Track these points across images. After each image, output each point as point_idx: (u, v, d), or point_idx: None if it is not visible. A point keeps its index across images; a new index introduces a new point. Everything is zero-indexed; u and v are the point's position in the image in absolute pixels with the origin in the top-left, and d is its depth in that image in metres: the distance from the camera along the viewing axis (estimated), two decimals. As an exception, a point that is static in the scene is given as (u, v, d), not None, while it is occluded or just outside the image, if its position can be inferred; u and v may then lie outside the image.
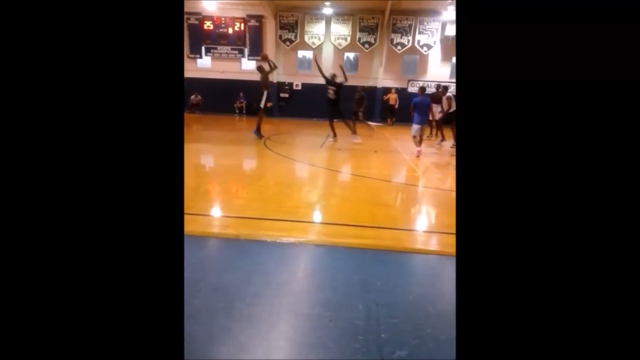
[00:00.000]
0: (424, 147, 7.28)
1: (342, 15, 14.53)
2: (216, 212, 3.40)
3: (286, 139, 8.40)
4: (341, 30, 14.77)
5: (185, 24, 15.05)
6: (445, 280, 2.35)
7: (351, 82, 14.63)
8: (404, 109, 11.14)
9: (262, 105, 8.27)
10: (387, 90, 14.32)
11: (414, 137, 7.17)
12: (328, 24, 14.75)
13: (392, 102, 13.71)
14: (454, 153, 7.15)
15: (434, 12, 13.68)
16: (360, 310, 1.82)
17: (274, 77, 13.62)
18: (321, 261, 2.44)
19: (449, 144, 8.52)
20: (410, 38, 14.45)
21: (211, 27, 15.28)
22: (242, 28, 14.91)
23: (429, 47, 14.54)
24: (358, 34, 14.63)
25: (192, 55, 15.86)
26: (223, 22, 15.19)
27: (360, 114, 9.99)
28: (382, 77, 15.06)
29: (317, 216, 3.46)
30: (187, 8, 14.26)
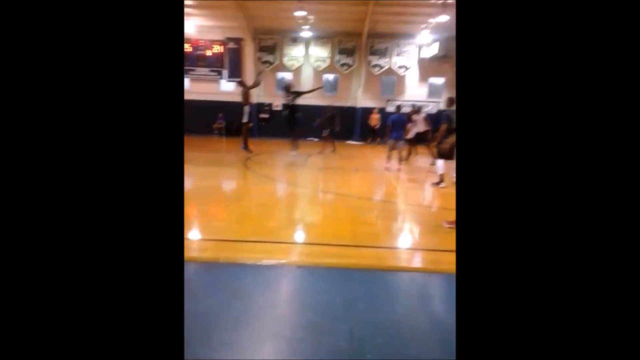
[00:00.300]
0: (396, 164, 7.57)
1: (320, 39, 14.88)
2: (194, 235, 3.31)
3: (267, 159, 8.37)
4: (320, 53, 15.09)
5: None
6: (428, 298, 2.34)
7: (330, 103, 15.02)
8: (384, 128, 11.36)
9: (245, 120, 8.42)
10: (368, 110, 14.60)
11: (390, 152, 7.53)
12: (307, 46, 15.06)
13: (373, 122, 13.97)
14: (431, 169, 7.31)
15: (409, 35, 14.20)
16: (343, 331, 1.78)
17: (254, 98, 13.69)
18: (303, 283, 2.40)
19: (422, 160, 8.73)
20: (388, 60, 14.88)
21: (190, 50, 15.32)
22: (221, 50, 15.03)
23: (406, 68, 15.01)
24: (337, 56, 14.97)
25: (171, 77, 15.72)
26: (202, 44, 15.28)
27: (327, 131, 10.19)
28: (361, 97, 15.38)
29: (299, 236, 3.42)
30: (166, 31, 14.22)
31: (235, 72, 15.19)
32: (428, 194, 5.63)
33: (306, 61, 15.26)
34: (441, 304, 2.28)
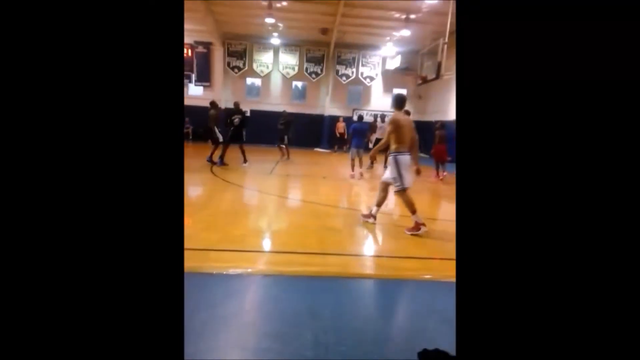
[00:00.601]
0: (358, 171, 7.73)
1: (289, 46, 14.98)
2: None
3: (234, 165, 8.27)
4: (289, 60, 15.17)
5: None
6: (390, 303, 2.43)
7: (299, 110, 15.07)
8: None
9: (219, 138, 8.58)
10: (336, 119, 14.82)
11: (352, 160, 7.75)
12: (276, 53, 15.10)
13: (340, 130, 14.20)
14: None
15: (375, 47, 14.64)
16: (309, 340, 1.82)
17: (222, 104, 13.50)
18: (269, 292, 2.41)
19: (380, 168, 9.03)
20: (355, 70, 15.23)
21: (156, 52, 14.90)
22: (190, 54, 14.72)
23: (372, 78, 15.42)
24: (305, 64, 15.12)
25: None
26: (168, 47, 14.90)
27: (285, 138, 10.13)
28: (329, 105, 15.59)
29: (265, 245, 3.43)
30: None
31: (204, 76, 14.92)
32: (390, 201, 5.80)
33: (275, 68, 15.28)
34: (403, 309, 2.38)
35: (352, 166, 7.75)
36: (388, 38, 13.35)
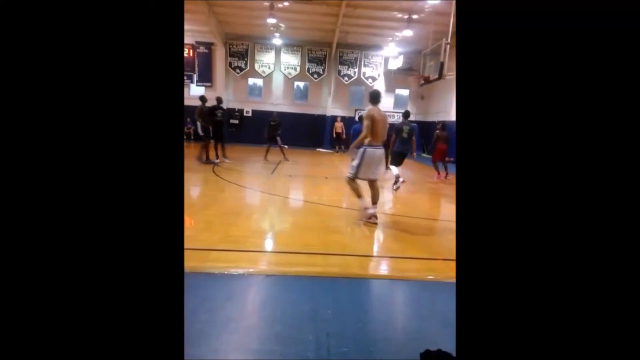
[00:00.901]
0: None
1: (291, 46, 14.98)
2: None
3: (235, 165, 8.27)
4: (291, 60, 15.17)
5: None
6: (392, 304, 2.42)
7: (301, 111, 15.06)
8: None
9: (201, 132, 8.59)
10: (334, 119, 14.82)
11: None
12: (278, 53, 15.09)
13: (338, 130, 14.19)
14: (386, 173, 7.52)
15: (377, 47, 14.61)
16: (310, 341, 1.81)
17: (225, 104, 13.50)
18: (271, 292, 2.40)
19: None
20: (356, 70, 15.21)
21: (158, 52, 14.95)
22: (191, 54, 14.74)
23: (374, 79, 15.40)
24: (307, 65, 15.11)
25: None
26: (170, 47, 14.94)
27: (278, 139, 9.91)
28: (330, 106, 15.58)
29: (267, 245, 3.42)
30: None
31: (205, 77, 14.94)
32: (391, 201, 5.79)
33: (277, 68, 15.28)
34: (406, 310, 2.36)
35: None
36: (390, 38, 13.33)
